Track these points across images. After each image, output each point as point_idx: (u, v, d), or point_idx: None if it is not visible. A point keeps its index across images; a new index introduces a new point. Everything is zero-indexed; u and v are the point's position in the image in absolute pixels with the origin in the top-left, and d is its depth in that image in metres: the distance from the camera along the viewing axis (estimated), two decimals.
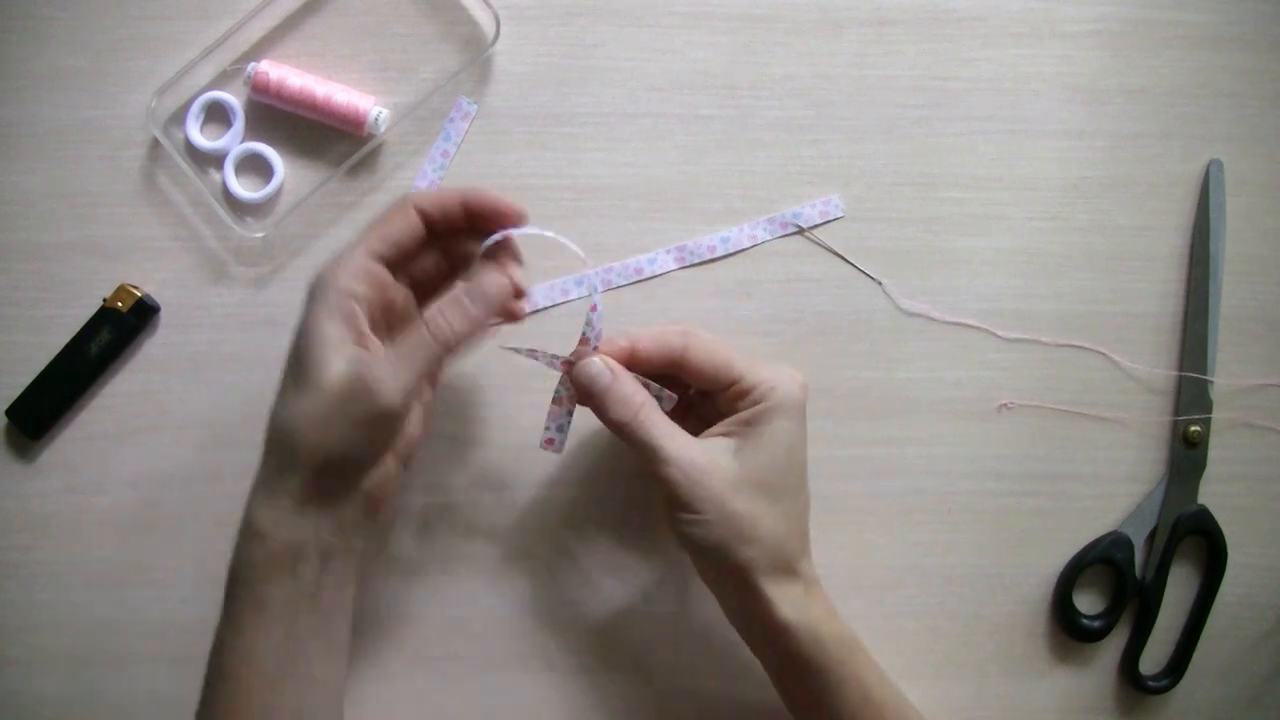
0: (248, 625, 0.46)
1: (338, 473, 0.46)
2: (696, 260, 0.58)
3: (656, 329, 0.51)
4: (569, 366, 0.50)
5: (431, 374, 0.51)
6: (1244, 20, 0.59)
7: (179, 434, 0.57)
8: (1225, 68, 0.59)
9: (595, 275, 0.54)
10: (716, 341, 0.50)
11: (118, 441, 0.57)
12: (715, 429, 0.50)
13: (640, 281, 0.58)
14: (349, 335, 0.46)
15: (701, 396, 0.52)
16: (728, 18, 0.58)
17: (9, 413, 0.56)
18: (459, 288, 0.48)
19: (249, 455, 0.56)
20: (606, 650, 0.57)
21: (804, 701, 0.50)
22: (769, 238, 0.58)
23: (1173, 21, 0.59)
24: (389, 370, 0.46)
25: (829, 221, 0.58)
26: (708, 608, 0.57)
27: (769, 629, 0.48)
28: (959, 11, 0.59)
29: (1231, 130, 0.59)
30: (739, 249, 0.58)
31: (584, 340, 0.50)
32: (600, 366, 0.49)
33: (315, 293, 0.47)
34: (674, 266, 0.58)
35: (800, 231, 0.58)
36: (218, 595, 0.56)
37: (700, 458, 0.48)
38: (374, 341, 0.47)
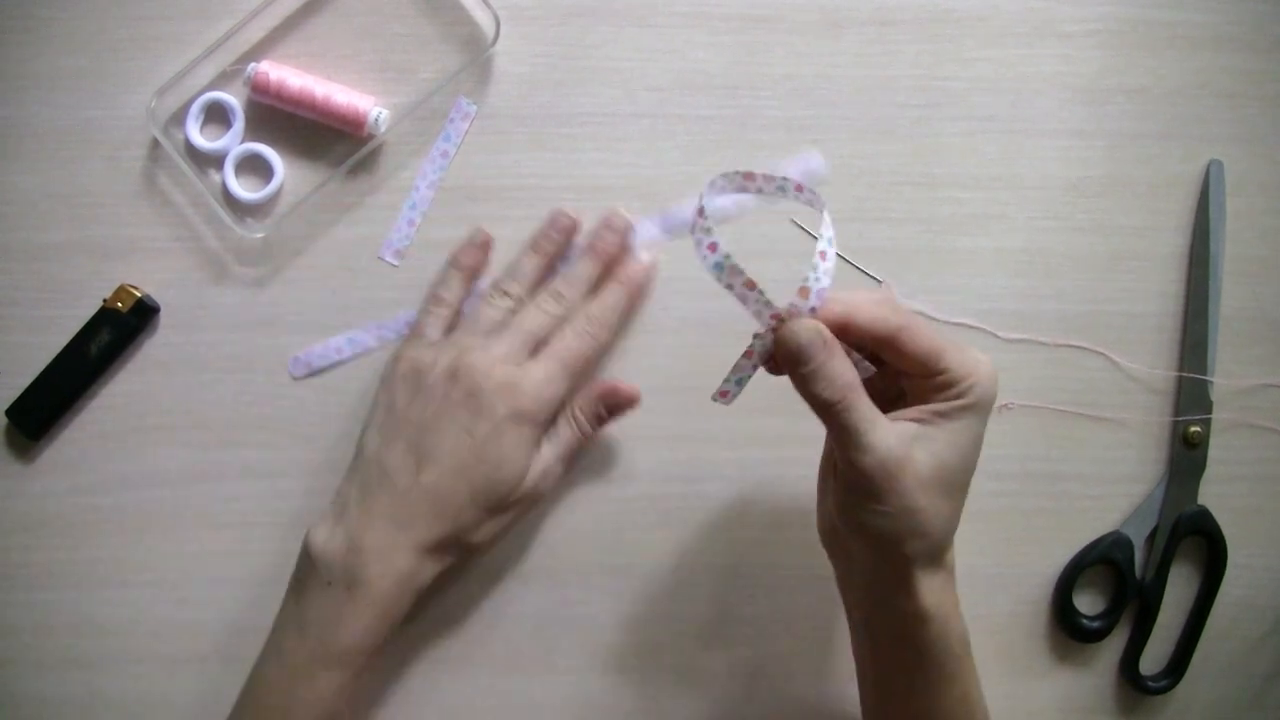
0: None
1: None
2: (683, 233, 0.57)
3: (874, 301, 0.46)
4: (778, 323, 0.44)
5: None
6: (1244, 20, 0.59)
7: (179, 434, 0.57)
8: (1225, 68, 0.59)
9: (827, 210, 0.45)
10: (929, 327, 0.47)
11: (118, 441, 0.57)
12: (907, 413, 0.46)
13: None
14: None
15: (887, 370, 0.48)
16: (728, 18, 0.58)
17: (9, 413, 0.56)
18: (585, 396, 0.55)
19: (249, 455, 0.57)
20: (608, 653, 0.57)
21: (900, 690, 0.49)
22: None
23: (1173, 21, 0.59)
24: (548, 467, 0.54)
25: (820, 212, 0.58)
26: (711, 610, 0.57)
27: (906, 614, 0.46)
28: (959, 11, 0.59)
29: (1231, 130, 0.59)
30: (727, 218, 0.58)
31: (803, 291, 0.43)
32: (816, 335, 0.43)
33: (526, 416, 0.52)
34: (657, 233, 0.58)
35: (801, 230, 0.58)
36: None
37: (898, 449, 0.44)
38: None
